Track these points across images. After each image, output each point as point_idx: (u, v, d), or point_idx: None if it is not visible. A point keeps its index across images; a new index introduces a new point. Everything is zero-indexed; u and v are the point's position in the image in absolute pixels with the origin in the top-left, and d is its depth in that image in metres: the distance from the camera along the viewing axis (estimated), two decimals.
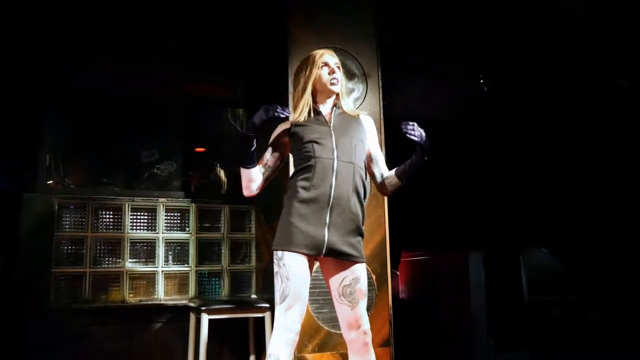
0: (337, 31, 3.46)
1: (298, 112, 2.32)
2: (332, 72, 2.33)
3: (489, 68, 5.21)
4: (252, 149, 2.23)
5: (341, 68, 2.39)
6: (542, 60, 5.03)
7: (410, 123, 2.21)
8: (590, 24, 4.45)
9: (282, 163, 2.39)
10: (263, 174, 2.32)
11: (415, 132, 2.21)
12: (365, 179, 2.34)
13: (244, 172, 2.29)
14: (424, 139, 2.23)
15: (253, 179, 2.29)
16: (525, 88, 5.43)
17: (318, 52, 2.37)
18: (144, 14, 3.84)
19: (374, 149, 2.42)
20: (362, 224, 2.27)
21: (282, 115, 2.18)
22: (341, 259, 2.19)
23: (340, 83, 2.36)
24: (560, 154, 5.62)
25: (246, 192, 2.33)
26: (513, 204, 5.77)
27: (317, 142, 2.23)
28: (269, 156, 2.34)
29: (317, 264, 2.30)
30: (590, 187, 5.43)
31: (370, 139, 2.41)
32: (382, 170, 2.42)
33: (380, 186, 2.42)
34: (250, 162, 2.27)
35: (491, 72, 5.25)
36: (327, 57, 2.35)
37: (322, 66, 2.33)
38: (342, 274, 2.21)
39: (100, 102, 3.92)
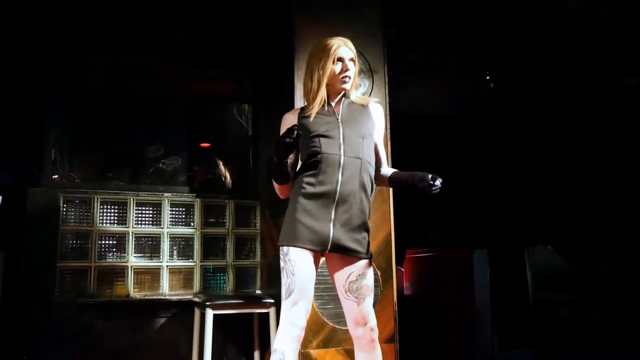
0: (343, 27, 3.42)
1: (310, 106, 2.27)
2: (345, 69, 2.26)
3: (494, 65, 5.20)
4: (286, 171, 2.23)
5: (356, 60, 2.31)
6: (547, 58, 5.01)
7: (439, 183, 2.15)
8: (592, 22, 4.44)
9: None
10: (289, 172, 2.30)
11: (435, 190, 2.16)
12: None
13: (277, 186, 2.31)
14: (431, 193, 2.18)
15: (286, 187, 2.31)
16: (529, 86, 5.42)
17: (334, 44, 2.27)
18: (150, 10, 3.84)
19: (377, 142, 2.38)
20: (368, 220, 2.25)
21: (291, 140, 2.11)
22: (347, 255, 2.18)
23: (352, 79, 2.29)
24: (565, 151, 5.61)
25: (282, 197, 2.36)
26: (518, 202, 5.76)
27: (324, 136, 2.20)
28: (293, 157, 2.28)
29: (322, 260, 2.29)
30: (595, 185, 5.41)
31: (376, 132, 2.37)
32: (378, 164, 2.39)
33: None
34: (285, 181, 2.28)
35: (496, 70, 5.24)
36: (342, 52, 2.26)
37: (336, 61, 2.26)
38: (348, 269, 2.19)
39: (106, 97, 3.91)
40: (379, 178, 2.41)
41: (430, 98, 5.49)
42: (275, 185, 2.32)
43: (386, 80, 3.56)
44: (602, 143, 5.42)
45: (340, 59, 2.26)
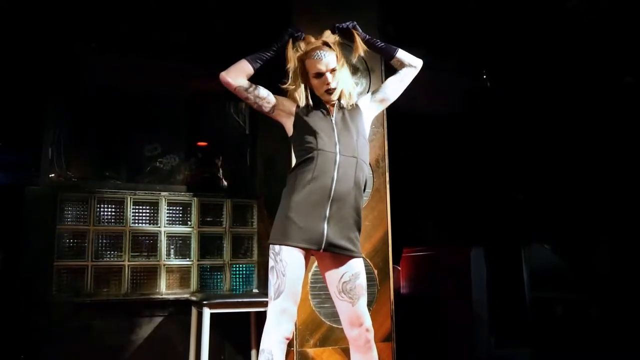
0: None
1: (299, 100, 2.28)
2: (325, 82, 2.24)
3: (492, 63, 5.20)
4: (266, 58, 2.29)
5: (340, 63, 2.26)
6: (545, 56, 5.01)
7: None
8: (593, 20, 4.44)
9: (259, 106, 2.32)
10: (250, 89, 2.27)
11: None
12: (367, 173, 2.32)
13: (244, 64, 2.27)
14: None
15: (244, 73, 2.27)
16: (528, 84, 5.41)
17: (312, 57, 2.24)
18: (148, 9, 3.83)
19: (378, 94, 2.44)
20: (361, 219, 2.24)
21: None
22: (340, 254, 2.17)
23: (337, 87, 2.26)
24: (564, 149, 5.61)
25: (224, 74, 2.28)
26: (515, 201, 5.76)
27: (319, 135, 2.20)
28: (264, 93, 2.30)
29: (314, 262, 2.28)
30: (593, 183, 5.42)
31: (369, 110, 2.41)
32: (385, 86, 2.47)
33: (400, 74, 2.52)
34: (257, 61, 2.29)
35: (494, 68, 5.24)
36: (320, 66, 2.22)
37: (313, 76, 2.24)
38: (341, 270, 2.18)
39: (103, 96, 3.90)
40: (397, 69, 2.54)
41: (428, 95, 5.47)
42: (241, 62, 2.28)
43: (383, 79, 3.55)
44: (601, 142, 5.42)
45: (319, 74, 2.24)
